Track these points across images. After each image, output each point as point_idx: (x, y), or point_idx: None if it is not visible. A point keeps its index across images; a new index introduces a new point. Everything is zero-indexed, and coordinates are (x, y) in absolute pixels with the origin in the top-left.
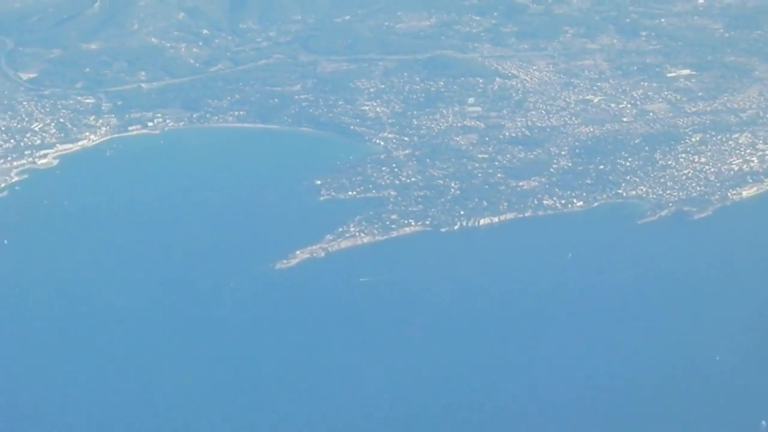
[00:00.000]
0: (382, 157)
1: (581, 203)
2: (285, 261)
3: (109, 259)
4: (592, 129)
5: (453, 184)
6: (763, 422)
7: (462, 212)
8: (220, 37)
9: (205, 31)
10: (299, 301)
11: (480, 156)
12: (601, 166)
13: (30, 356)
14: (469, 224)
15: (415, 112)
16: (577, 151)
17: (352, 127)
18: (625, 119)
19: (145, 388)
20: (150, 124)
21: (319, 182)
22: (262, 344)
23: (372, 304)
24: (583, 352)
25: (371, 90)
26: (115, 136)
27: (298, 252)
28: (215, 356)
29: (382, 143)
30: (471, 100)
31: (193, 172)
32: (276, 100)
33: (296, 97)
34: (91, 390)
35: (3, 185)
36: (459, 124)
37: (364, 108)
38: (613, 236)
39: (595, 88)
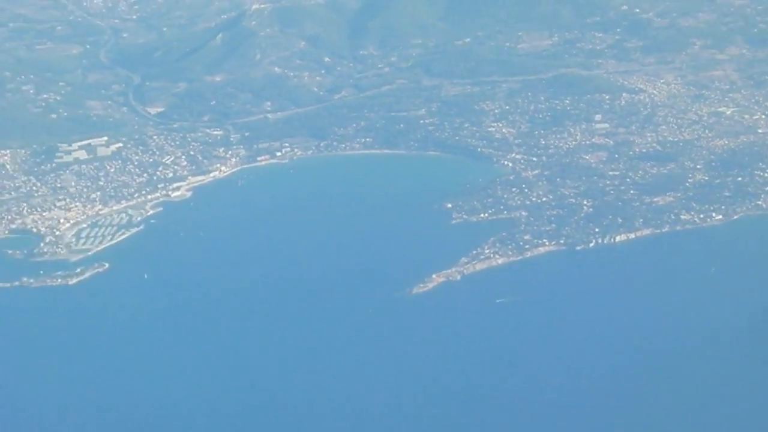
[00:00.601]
0: (511, 177)
1: (720, 216)
2: (422, 285)
3: (248, 288)
4: (726, 141)
5: (585, 202)
6: None
7: (597, 230)
8: (341, 65)
9: (326, 59)
10: (439, 324)
11: (611, 173)
12: (739, 178)
13: (182, 386)
14: (605, 242)
15: (542, 132)
16: (713, 164)
17: (479, 149)
18: (760, 130)
19: (289, 417)
20: (278, 153)
21: (450, 205)
22: (405, 369)
23: (510, 326)
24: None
25: (496, 111)
26: (245, 166)
27: (434, 276)
28: (358, 382)
29: (510, 164)
30: (598, 116)
31: (324, 199)
32: (401, 125)
33: (421, 121)
34: (234, 416)
35: (139, 219)
36: (587, 142)
37: (490, 129)
38: (758, 249)
39: (726, 99)
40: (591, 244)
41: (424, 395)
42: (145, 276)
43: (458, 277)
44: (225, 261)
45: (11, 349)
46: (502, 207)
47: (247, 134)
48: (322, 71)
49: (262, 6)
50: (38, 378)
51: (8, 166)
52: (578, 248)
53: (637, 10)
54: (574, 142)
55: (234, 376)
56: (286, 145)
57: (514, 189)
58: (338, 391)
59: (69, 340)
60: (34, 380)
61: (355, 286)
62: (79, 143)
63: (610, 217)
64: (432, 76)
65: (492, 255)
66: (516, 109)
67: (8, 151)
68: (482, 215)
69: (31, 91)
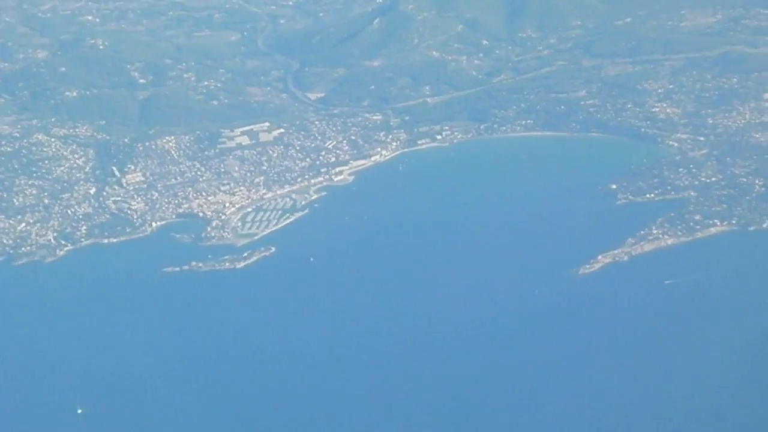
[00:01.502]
0: (678, 158)
1: None
2: (588, 266)
3: (413, 270)
4: None
5: (757, 182)
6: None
7: None
8: (500, 48)
9: (484, 42)
10: (605, 305)
11: None
12: None
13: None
14: None
15: (709, 111)
16: None
17: (642, 129)
18: None
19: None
20: (438, 137)
21: (614, 186)
22: (574, 351)
23: (679, 307)
24: None
25: (660, 91)
26: (406, 150)
27: (600, 257)
28: (530, 365)
29: (676, 144)
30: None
31: (486, 182)
32: (562, 106)
33: (582, 102)
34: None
35: (303, 203)
36: (757, 121)
37: (654, 110)
38: None
39: None
40: (765, 225)
41: (597, 376)
42: (311, 260)
43: (625, 258)
44: (389, 244)
45: (189, 331)
46: (669, 187)
47: (406, 118)
48: (481, 54)
49: None
50: (218, 358)
51: (173, 152)
52: (751, 228)
53: None
54: (743, 121)
55: (410, 353)
56: (446, 128)
57: (681, 169)
58: (513, 371)
59: (244, 322)
60: (213, 360)
61: (522, 266)
62: (242, 129)
63: None
64: (592, 57)
65: (660, 235)
66: (681, 89)
67: (173, 137)
68: (648, 196)
69: (192, 79)
